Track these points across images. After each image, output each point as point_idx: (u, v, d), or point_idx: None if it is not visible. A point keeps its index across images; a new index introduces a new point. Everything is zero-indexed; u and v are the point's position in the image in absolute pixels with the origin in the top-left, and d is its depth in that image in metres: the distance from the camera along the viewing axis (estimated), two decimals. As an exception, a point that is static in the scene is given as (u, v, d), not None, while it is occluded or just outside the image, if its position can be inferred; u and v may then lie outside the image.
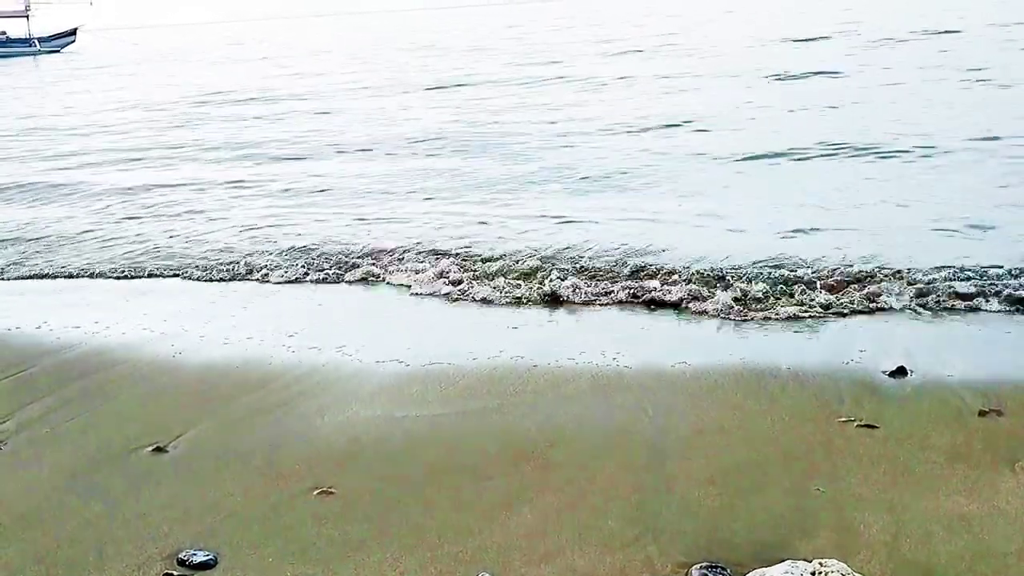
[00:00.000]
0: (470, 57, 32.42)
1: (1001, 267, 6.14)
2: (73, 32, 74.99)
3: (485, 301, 6.37)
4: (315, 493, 3.83)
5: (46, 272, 8.05)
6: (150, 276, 7.75)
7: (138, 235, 9.32)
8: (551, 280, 6.47)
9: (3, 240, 9.50)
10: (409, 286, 6.84)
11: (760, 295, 5.98)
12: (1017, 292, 5.66)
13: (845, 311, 5.70)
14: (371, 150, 14.00)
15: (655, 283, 6.34)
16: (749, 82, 18.53)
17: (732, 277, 6.34)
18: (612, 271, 6.76)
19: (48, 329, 6.21)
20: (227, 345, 5.76)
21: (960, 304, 5.66)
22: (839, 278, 6.19)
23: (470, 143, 13.78)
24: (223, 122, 18.91)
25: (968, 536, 3.28)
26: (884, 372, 4.72)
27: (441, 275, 6.89)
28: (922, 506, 3.48)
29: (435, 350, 5.42)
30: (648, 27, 42.88)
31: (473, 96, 20.34)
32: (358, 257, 7.67)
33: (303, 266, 7.51)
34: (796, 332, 5.44)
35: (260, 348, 5.67)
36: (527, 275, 6.81)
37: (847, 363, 4.89)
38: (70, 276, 7.91)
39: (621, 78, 21.34)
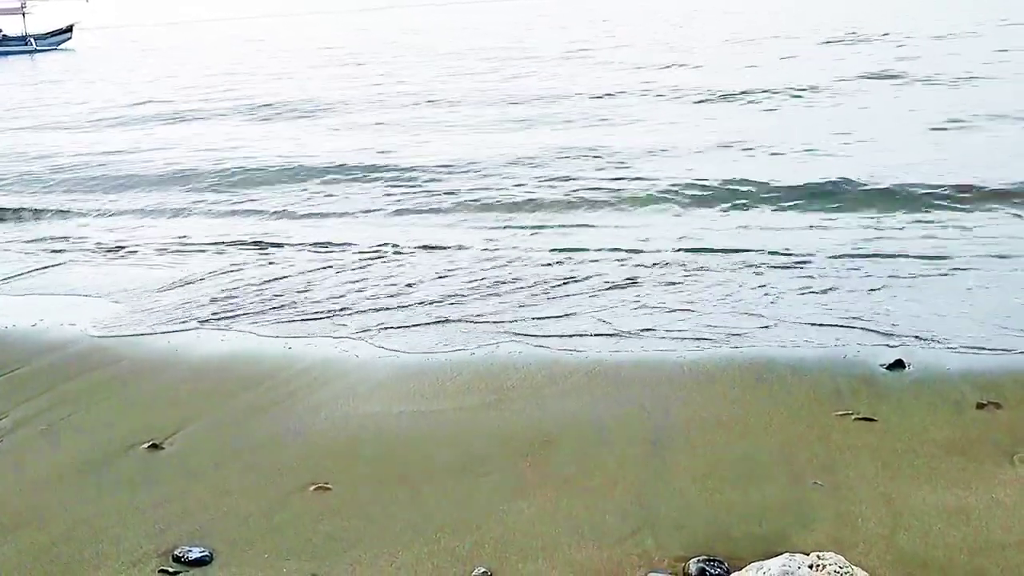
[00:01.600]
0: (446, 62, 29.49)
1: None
2: (69, 29, 74.66)
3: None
4: (311, 489, 3.82)
5: None
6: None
7: None
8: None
9: None
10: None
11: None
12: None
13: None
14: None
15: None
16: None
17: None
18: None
19: (44, 327, 6.19)
20: (224, 342, 5.74)
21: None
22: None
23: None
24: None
25: (966, 528, 3.27)
26: (882, 365, 4.71)
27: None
28: (920, 499, 3.47)
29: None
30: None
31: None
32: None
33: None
34: (794, 324, 5.43)
35: (257, 344, 5.66)
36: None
37: (845, 356, 4.88)
38: None
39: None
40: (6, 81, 35.75)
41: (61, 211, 10.77)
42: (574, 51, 28.01)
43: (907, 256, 6.61)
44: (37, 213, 10.76)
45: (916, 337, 5.08)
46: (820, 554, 2.93)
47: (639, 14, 51.87)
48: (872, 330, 5.23)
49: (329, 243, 8.22)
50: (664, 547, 3.27)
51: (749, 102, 15.11)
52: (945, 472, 3.67)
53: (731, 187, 9.22)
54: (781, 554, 2.97)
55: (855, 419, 4.15)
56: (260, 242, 8.41)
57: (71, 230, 9.75)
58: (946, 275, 6.15)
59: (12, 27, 72.97)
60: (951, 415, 4.15)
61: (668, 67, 21.41)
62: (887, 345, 4.99)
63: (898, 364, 4.69)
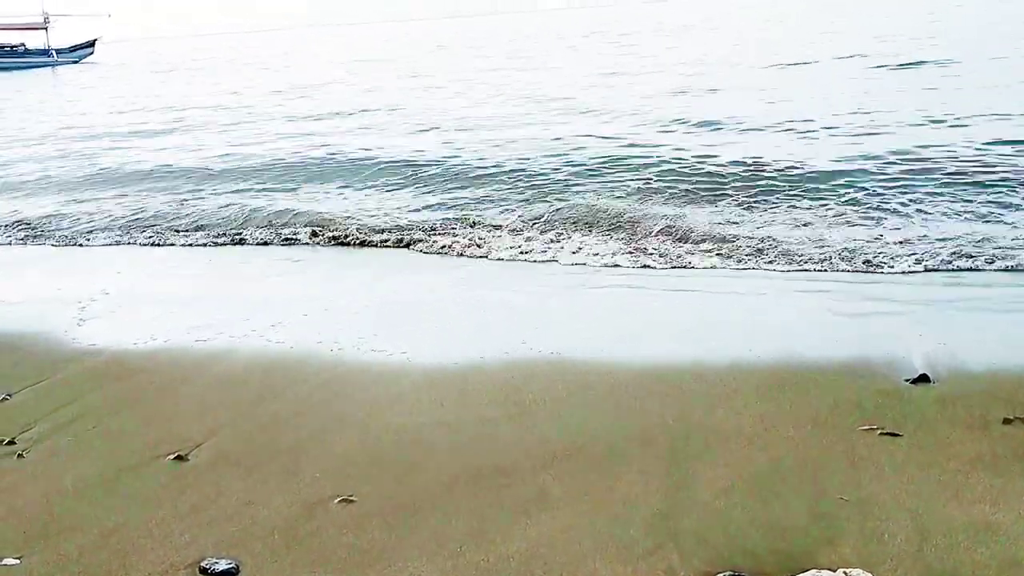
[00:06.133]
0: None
1: None
2: (92, 43, 76.09)
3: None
4: (336, 501, 3.84)
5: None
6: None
7: None
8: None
9: None
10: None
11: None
12: None
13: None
14: None
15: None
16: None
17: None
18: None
19: (72, 337, 6.25)
20: (249, 352, 5.78)
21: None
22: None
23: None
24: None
25: (994, 545, 3.24)
26: (906, 380, 4.68)
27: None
28: (947, 515, 3.45)
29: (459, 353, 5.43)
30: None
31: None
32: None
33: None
34: (818, 338, 5.41)
35: (282, 355, 5.69)
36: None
37: (869, 370, 4.84)
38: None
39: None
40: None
41: None
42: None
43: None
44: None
45: (940, 351, 5.05)
46: (847, 570, 2.92)
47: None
48: (895, 343, 5.20)
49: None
50: (688, 562, 3.26)
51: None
52: (972, 488, 3.64)
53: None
54: (808, 570, 2.96)
55: (880, 434, 4.12)
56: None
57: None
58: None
59: (35, 41, 74.24)
60: (977, 430, 4.11)
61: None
62: (911, 359, 4.95)
63: (923, 378, 4.65)
